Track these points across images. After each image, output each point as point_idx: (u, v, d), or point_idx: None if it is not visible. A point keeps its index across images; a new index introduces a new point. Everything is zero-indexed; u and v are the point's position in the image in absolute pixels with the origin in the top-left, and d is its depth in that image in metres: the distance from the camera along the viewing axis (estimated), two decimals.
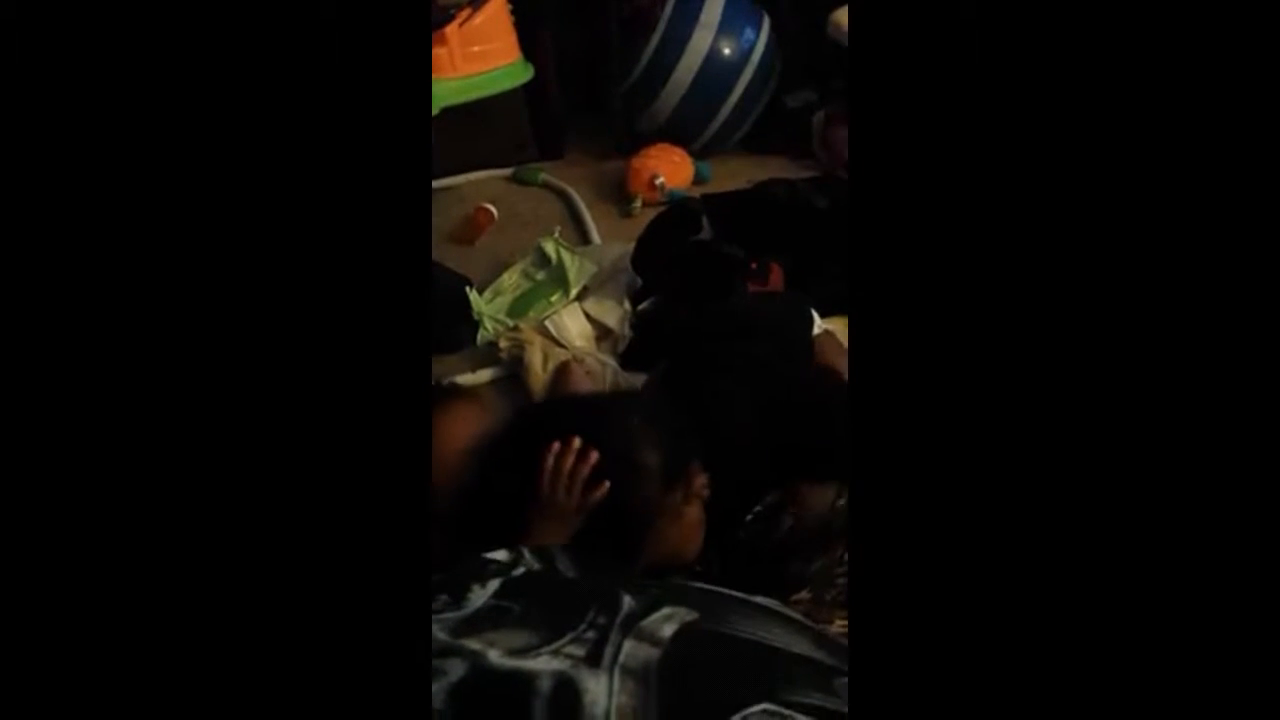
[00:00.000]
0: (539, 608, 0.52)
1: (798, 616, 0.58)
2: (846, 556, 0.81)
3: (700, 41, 1.64)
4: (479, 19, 1.62)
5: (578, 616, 0.50)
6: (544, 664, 0.47)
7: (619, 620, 0.49)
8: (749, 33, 1.68)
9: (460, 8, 1.61)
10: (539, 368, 1.29)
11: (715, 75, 1.65)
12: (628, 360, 1.26)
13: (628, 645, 0.48)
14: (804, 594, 0.81)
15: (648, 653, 0.47)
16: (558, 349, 1.32)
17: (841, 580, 0.80)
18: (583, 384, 1.23)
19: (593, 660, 0.47)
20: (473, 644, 0.48)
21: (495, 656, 0.48)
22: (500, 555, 0.59)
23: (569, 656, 0.47)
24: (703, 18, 1.65)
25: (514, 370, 1.31)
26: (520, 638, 0.49)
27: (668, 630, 0.49)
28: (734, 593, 0.56)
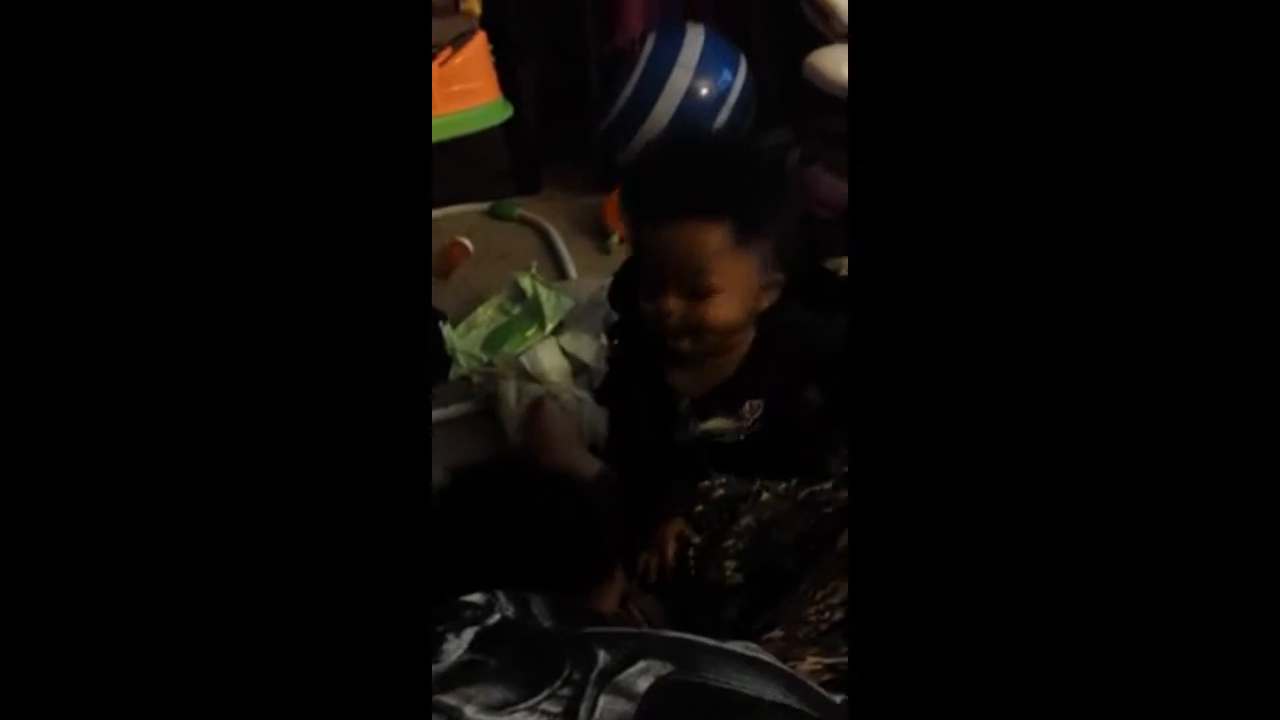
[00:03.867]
0: (515, 661, 0.52)
1: (770, 659, 0.58)
2: (818, 595, 0.82)
3: (678, 81, 1.67)
4: (459, 59, 1.64)
5: (554, 672, 0.50)
6: None
7: (594, 675, 0.49)
8: (726, 74, 1.71)
9: (441, 47, 1.63)
10: (512, 403, 1.29)
11: (693, 115, 1.68)
12: (603, 396, 1.26)
13: (603, 701, 0.48)
14: (776, 633, 0.81)
15: (623, 708, 0.48)
16: (532, 385, 1.32)
17: (813, 618, 0.81)
18: (557, 420, 1.23)
19: (569, 717, 0.47)
20: (449, 700, 0.48)
21: (472, 713, 0.48)
22: (475, 598, 0.59)
23: (545, 713, 0.47)
24: (681, 58, 1.67)
25: (487, 406, 1.31)
26: (497, 693, 0.49)
27: (643, 684, 0.49)
28: (707, 640, 0.56)
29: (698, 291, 0.79)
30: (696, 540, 0.90)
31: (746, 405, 0.89)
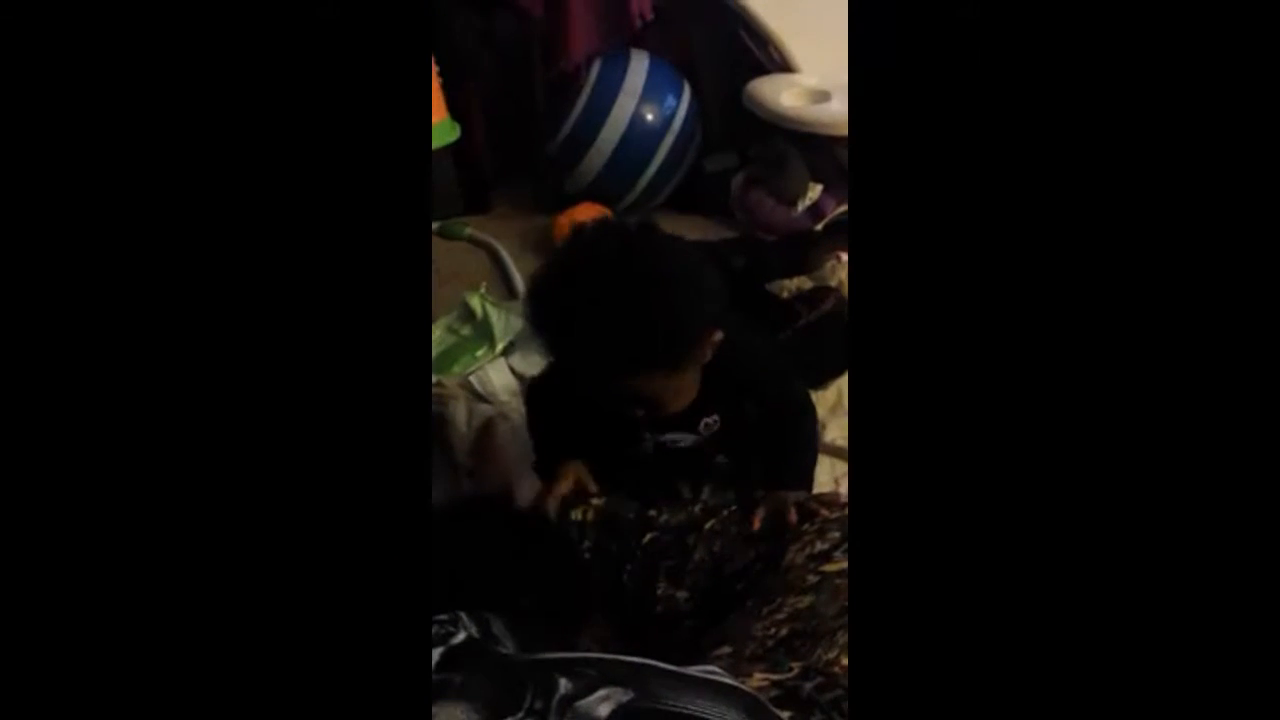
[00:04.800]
0: (478, 684, 0.52)
1: (730, 681, 0.59)
2: (765, 611, 0.84)
3: (624, 107, 1.70)
4: None
5: (515, 702, 0.51)
6: None
7: (555, 703, 0.50)
8: (671, 100, 1.74)
9: None
10: (463, 424, 1.29)
11: (639, 140, 1.71)
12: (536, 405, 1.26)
13: None
14: (724, 649, 0.83)
15: None
16: (482, 405, 1.32)
17: (760, 634, 0.83)
18: (508, 440, 1.24)
19: None
20: None
21: None
22: (440, 617, 0.60)
23: None
24: (626, 85, 1.70)
25: (436, 427, 1.31)
26: (461, 715, 0.50)
27: (603, 711, 0.50)
28: (666, 665, 0.57)
29: (655, 408, 0.84)
30: (597, 499, 0.92)
31: (702, 423, 0.93)
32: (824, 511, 0.87)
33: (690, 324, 0.78)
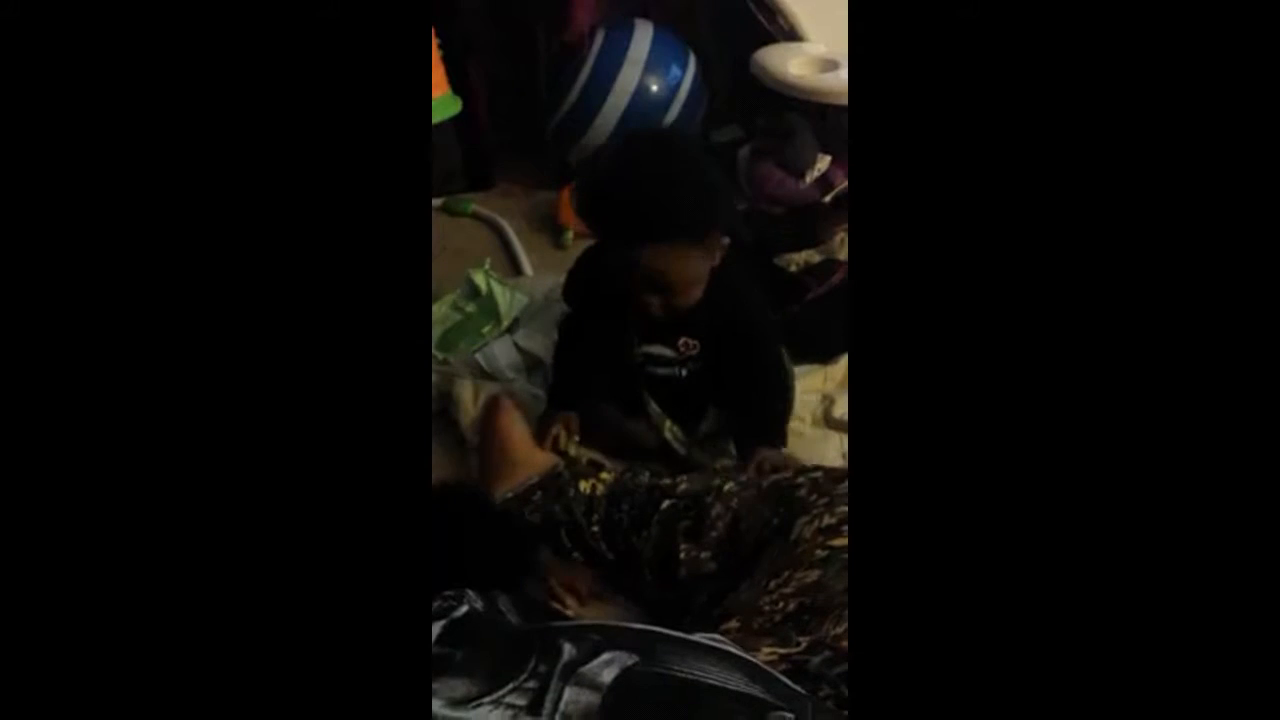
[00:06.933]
0: (481, 655, 0.52)
1: (733, 649, 0.59)
2: (771, 585, 0.84)
3: (628, 78, 1.67)
4: None
5: (519, 666, 0.51)
6: (485, 714, 0.47)
7: (559, 668, 0.50)
8: (676, 70, 1.72)
9: None
10: (469, 402, 1.28)
11: (643, 111, 1.68)
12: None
13: (569, 692, 0.49)
14: (733, 623, 0.83)
15: (588, 699, 0.48)
16: (488, 382, 1.32)
17: (768, 608, 0.83)
18: (514, 418, 1.24)
19: (534, 709, 0.48)
20: None
21: (437, 706, 0.48)
22: (445, 593, 0.59)
23: (510, 706, 0.48)
24: (630, 54, 1.68)
25: (443, 405, 1.31)
26: (462, 687, 0.49)
27: (607, 675, 0.50)
28: (672, 632, 0.57)
29: (668, 290, 0.95)
30: (607, 471, 1.01)
31: (682, 341, 1.04)
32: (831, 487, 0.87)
33: (712, 196, 0.93)
